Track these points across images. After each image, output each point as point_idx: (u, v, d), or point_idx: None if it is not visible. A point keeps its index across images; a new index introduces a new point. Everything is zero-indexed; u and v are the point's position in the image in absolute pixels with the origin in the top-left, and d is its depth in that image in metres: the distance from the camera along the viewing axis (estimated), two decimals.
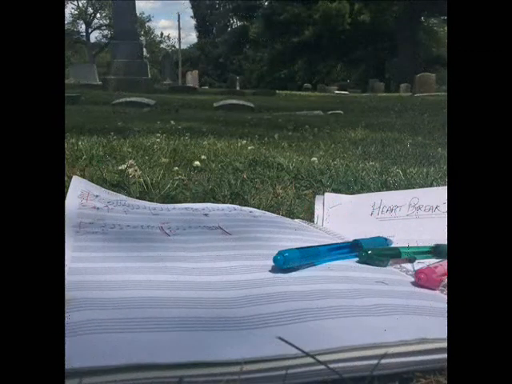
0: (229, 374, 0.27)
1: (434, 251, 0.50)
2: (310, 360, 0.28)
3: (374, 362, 0.29)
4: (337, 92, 12.92)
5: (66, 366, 0.25)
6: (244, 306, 0.35)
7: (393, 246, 0.53)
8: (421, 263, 0.48)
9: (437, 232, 0.48)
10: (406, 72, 14.73)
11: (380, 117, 3.85)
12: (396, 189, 0.91)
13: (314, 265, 0.45)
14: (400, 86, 13.03)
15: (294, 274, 0.42)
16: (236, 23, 26.71)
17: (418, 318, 0.34)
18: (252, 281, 0.40)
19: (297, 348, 0.28)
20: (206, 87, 15.85)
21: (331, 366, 0.29)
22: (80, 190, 0.65)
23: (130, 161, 0.99)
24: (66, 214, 0.51)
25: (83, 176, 0.89)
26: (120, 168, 1.00)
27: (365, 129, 2.65)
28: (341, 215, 0.66)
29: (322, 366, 0.28)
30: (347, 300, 0.36)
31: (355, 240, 0.51)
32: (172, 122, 2.66)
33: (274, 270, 0.42)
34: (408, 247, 0.50)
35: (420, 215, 0.61)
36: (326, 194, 0.71)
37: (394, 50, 18.34)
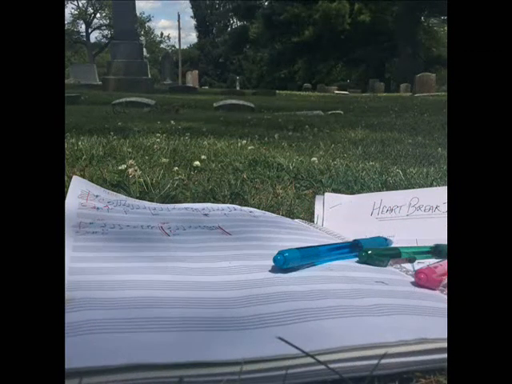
0: (229, 374, 0.27)
1: (434, 251, 0.50)
2: (310, 360, 0.28)
3: (374, 362, 0.29)
4: (337, 92, 12.93)
5: (66, 366, 0.25)
6: (244, 306, 0.35)
7: (393, 246, 0.53)
8: (421, 263, 0.48)
9: (437, 232, 0.48)
10: (406, 72, 14.74)
11: (380, 117, 3.86)
12: (396, 189, 0.91)
13: (314, 265, 0.45)
14: (400, 86, 13.04)
15: (293, 274, 0.42)
16: (236, 23, 26.74)
17: (418, 318, 0.34)
18: (252, 281, 0.40)
19: (297, 348, 0.28)
20: (206, 87, 15.87)
21: (331, 366, 0.29)
22: (80, 190, 0.65)
23: (130, 161, 0.99)
24: (66, 214, 0.51)
25: (83, 176, 0.89)
26: (120, 168, 1.00)
27: (365, 129, 2.65)
28: (341, 215, 0.66)
29: (322, 366, 0.28)
30: (347, 300, 0.36)
31: (355, 240, 0.51)
32: (172, 122, 2.66)
33: (273, 270, 0.42)
34: (408, 247, 0.50)
35: (420, 215, 0.61)
36: (326, 194, 0.71)
37: (394, 49, 18.35)
